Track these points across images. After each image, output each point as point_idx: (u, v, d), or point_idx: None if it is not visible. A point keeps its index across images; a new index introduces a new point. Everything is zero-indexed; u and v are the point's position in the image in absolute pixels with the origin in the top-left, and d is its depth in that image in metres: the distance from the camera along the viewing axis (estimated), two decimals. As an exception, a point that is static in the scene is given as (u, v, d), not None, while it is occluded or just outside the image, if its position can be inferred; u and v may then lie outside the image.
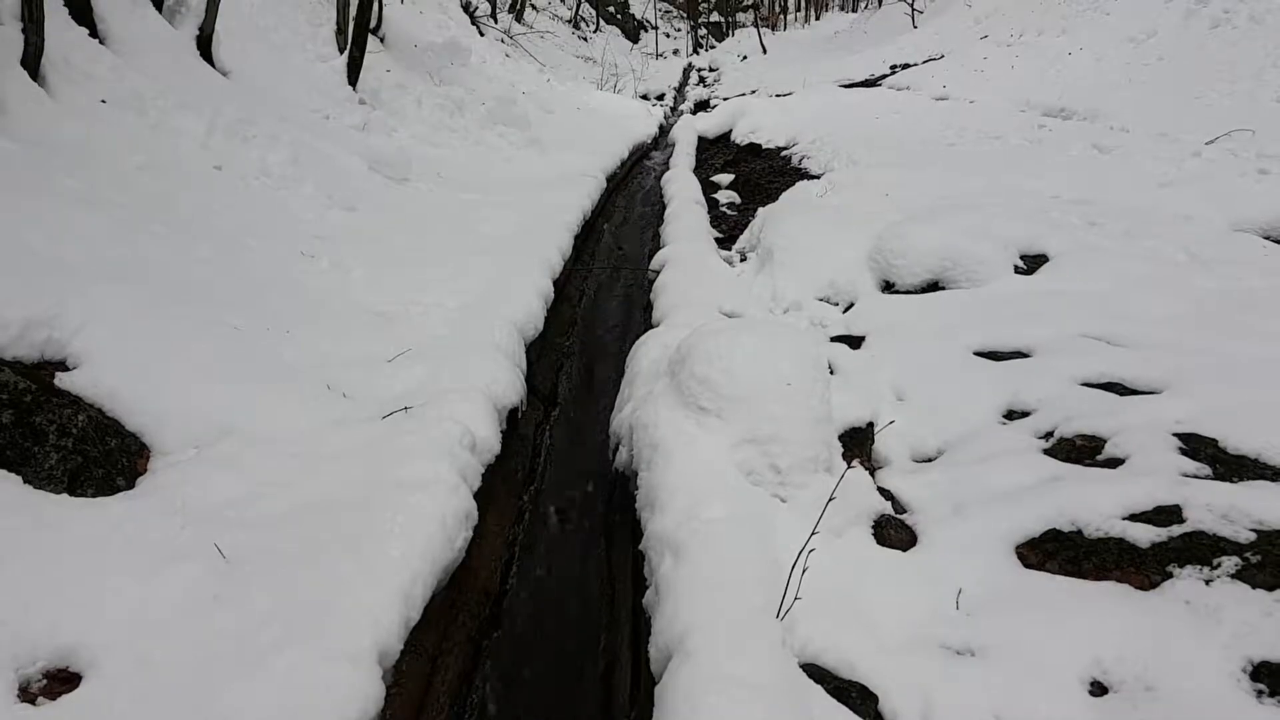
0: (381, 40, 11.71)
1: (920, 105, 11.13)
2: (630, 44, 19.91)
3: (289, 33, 10.23)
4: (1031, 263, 5.70)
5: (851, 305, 5.68)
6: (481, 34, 13.39)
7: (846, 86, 11.42)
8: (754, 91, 12.86)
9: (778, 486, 3.70)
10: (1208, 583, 2.68)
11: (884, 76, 11.57)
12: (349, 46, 10.11)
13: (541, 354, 6.21)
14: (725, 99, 13.11)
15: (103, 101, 5.92)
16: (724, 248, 7.80)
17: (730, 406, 4.35)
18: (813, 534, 3.19)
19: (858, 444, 3.87)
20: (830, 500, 3.33)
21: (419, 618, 3.07)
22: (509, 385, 4.86)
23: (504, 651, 3.73)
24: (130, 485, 3.36)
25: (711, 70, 16.89)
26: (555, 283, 7.11)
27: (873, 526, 3.27)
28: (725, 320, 5.19)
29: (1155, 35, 9.78)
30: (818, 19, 17.15)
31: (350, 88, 9.83)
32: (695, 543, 3.58)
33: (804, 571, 3.03)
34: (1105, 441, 3.46)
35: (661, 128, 13.95)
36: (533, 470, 5.02)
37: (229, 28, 8.43)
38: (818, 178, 9.09)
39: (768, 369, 4.35)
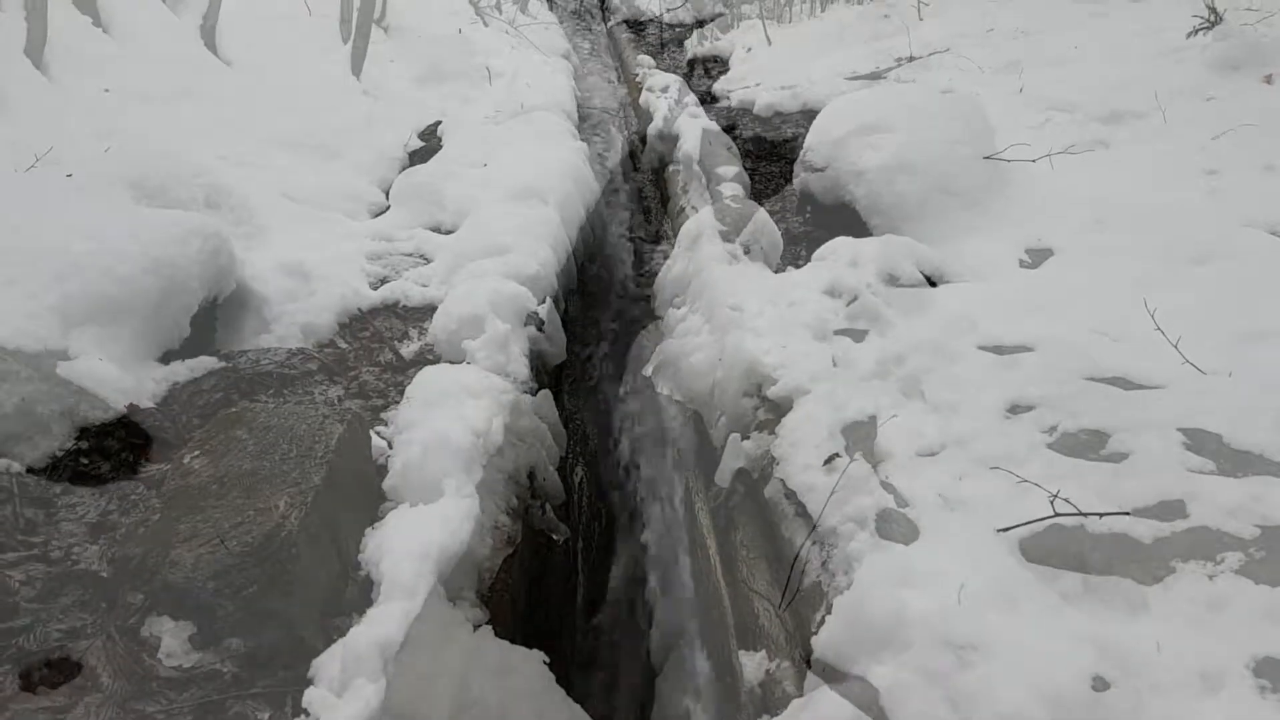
0: (386, 31, 11.67)
1: (925, 99, 11.08)
2: (634, 35, 19.83)
3: (293, 23, 10.22)
4: (1036, 257, 5.67)
5: (855, 299, 5.66)
6: (486, 25, 13.35)
7: (851, 79, 11.34)
8: (758, 84, 12.75)
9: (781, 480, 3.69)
10: (1211, 578, 2.67)
11: (889, 70, 11.46)
12: (353, 37, 10.08)
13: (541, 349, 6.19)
14: (730, 91, 13.04)
15: (106, 90, 5.91)
16: (727, 241, 7.76)
17: (727, 401, 4.35)
18: (814, 529, 3.19)
19: (860, 437, 3.86)
20: (831, 494, 3.32)
21: (420, 610, 3.06)
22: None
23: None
24: (133, 476, 3.36)
25: (716, 62, 16.81)
26: (556, 275, 7.09)
27: (874, 521, 3.25)
28: (726, 313, 5.18)
29: (1162, 31, 9.73)
30: (823, 11, 17.04)
31: (354, 79, 9.79)
32: (699, 536, 3.59)
33: (805, 566, 3.03)
34: (1109, 436, 3.45)
35: (665, 120, 13.90)
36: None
37: (232, 17, 8.42)
38: (822, 171, 9.06)
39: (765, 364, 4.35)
